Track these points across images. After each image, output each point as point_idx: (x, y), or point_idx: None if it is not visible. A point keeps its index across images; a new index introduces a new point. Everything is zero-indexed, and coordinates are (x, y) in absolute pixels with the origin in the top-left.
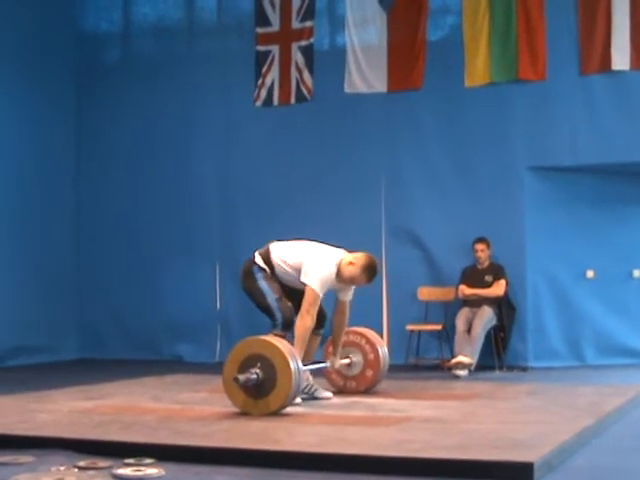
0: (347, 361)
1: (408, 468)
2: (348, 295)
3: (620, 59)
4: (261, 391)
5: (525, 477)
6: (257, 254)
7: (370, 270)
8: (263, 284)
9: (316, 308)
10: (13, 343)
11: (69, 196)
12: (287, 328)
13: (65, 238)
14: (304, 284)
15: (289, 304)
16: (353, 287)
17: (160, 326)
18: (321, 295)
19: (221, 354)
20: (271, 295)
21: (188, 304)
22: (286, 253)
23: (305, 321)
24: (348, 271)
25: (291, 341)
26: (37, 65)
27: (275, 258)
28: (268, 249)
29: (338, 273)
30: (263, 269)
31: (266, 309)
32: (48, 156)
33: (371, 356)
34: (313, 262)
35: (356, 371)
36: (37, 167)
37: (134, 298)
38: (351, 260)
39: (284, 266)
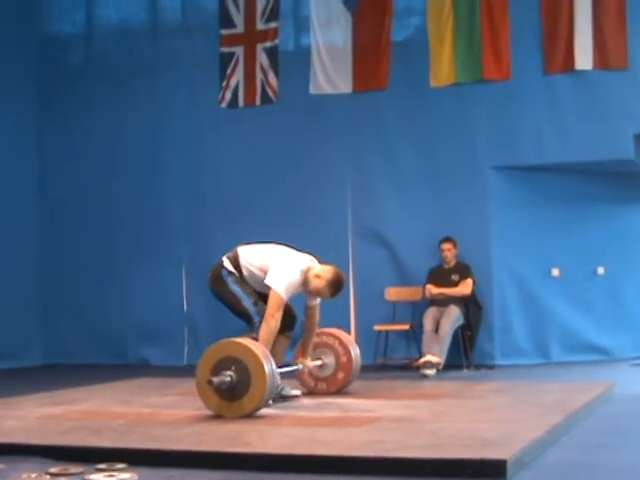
0: (319, 362)
1: (381, 468)
2: (316, 300)
3: (583, 59)
4: (235, 394)
5: (498, 474)
6: (225, 258)
7: (335, 286)
8: (236, 288)
9: (281, 312)
10: None
11: (33, 200)
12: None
13: (29, 242)
14: (268, 287)
15: (265, 307)
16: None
17: (126, 330)
18: (286, 299)
19: (189, 357)
20: (247, 299)
21: (155, 307)
22: (254, 256)
23: (270, 325)
24: (314, 284)
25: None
26: None
27: (243, 261)
28: (236, 253)
29: (304, 282)
30: (232, 273)
31: (242, 313)
32: (10, 161)
33: (344, 358)
34: (279, 266)
35: (328, 373)
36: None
37: (99, 302)
38: (318, 273)
39: (252, 269)
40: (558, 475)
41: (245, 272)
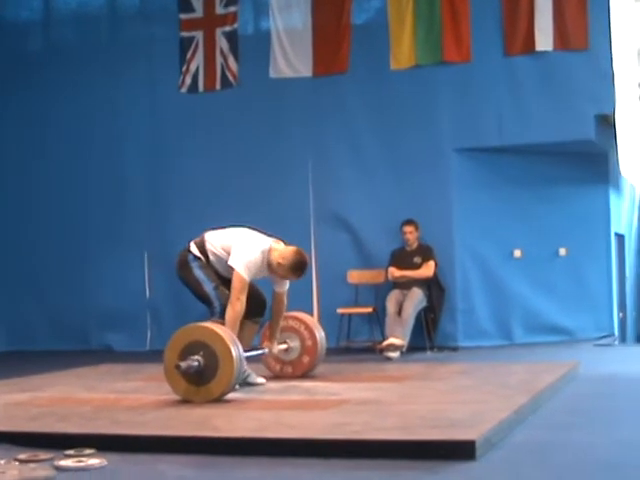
0: (284, 346)
1: (349, 450)
2: (284, 287)
3: (543, 40)
4: (203, 378)
5: (467, 455)
6: (192, 243)
7: (298, 268)
8: (199, 273)
9: (245, 294)
10: None
11: None
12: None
13: None
14: (231, 268)
15: (227, 292)
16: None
17: (89, 316)
18: (248, 280)
19: (152, 342)
20: (208, 284)
21: (117, 293)
22: (218, 240)
23: (235, 308)
24: (278, 270)
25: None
26: None
27: (209, 246)
28: (203, 238)
29: (269, 266)
30: (198, 258)
31: (204, 297)
32: None
33: (309, 342)
34: (240, 247)
35: (293, 356)
36: None
37: (61, 288)
38: (280, 258)
39: (217, 252)
40: (526, 454)
41: (211, 256)
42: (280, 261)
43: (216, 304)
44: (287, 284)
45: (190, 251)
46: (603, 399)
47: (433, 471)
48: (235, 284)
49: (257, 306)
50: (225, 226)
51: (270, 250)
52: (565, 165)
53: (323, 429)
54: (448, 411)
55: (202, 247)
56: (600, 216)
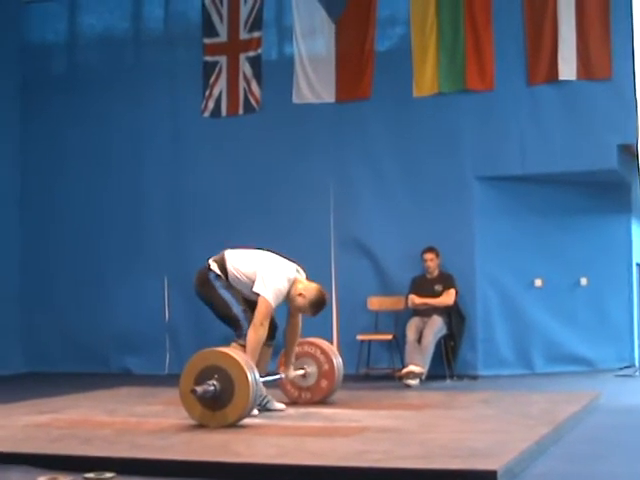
0: (302, 372)
1: (370, 478)
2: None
3: (567, 69)
4: (218, 403)
5: None
6: (212, 261)
7: (317, 306)
8: (225, 293)
9: (268, 320)
10: None
11: (14, 210)
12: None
13: (10, 251)
14: (257, 294)
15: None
16: None
17: (108, 339)
18: (274, 307)
19: (170, 366)
20: (237, 306)
21: (136, 316)
22: (241, 261)
23: (258, 332)
24: (297, 302)
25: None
26: None
27: (229, 266)
28: (223, 256)
29: (288, 296)
30: (219, 276)
31: (231, 319)
32: None
33: (326, 367)
34: (268, 273)
35: (311, 382)
36: None
37: (81, 311)
38: (302, 292)
39: (238, 275)
40: None
41: (231, 276)
42: (302, 293)
43: (245, 326)
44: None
45: (211, 269)
46: (625, 430)
47: None
48: (261, 309)
49: (270, 329)
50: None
51: (295, 281)
52: (587, 194)
53: (344, 456)
54: (469, 440)
55: (222, 265)
56: (622, 246)
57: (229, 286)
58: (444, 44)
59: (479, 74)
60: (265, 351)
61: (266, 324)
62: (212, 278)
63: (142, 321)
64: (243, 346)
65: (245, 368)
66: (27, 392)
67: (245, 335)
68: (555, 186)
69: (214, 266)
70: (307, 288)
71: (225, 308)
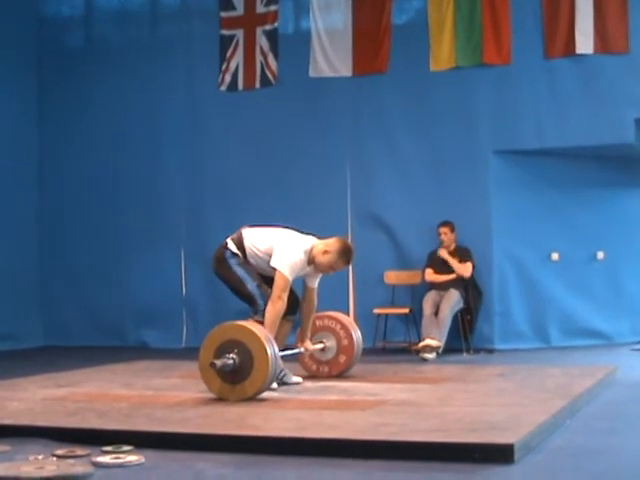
0: (320, 346)
1: (388, 451)
2: (316, 282)
3: (584, 43)
4: (238, 377)
5: (505, 458)
6: (229, 240)
7: (346, 254)
8: (240, 270)
9: (287, 293)
10: None
11: (31, 184)
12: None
13: (27, 224)
14: (274, 269)
15: (269, 290)
16: (321, 274)
17: (125, 312)
18: (291, 280)
19: (187, 340)
20: (251, 282)
21: (153, 290)
22: (258, 238)
23: (276, 306)
24: (325, 259)
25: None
26: None
27: (247, 243)
28: (241, 234)
29: (314, 262)
30: (236, 254)
31: (245, 295)
32: (9, 143)
33: (345, 342)
34: (284, 247)
35: (329, 356)
36: None
37: (98, 284)
38: (325, 248)
39: (256, 251)
40: (565, 459)
41: (249, 253)
42: (327, 249)
43: (260, 302)
44: (318, 280)
45: (227, 247)
46: None
47: (471, 474)
48: (278, 282)
49: (291, 304)
50: (262, 224)
51: (312, 248)
52: (604, 168)
53: (362, 430)
54: (486, 414)
55: (240, 243)
56: (639, 220)
57: (244, 263)
58: (461, 18)
59: (496, 48)
60: (285, 325)
61: (284, 297)
62: (228, 256)
63: (159, 295)
64: (259, 322)
65: (265, 342)
66: (45, 365)
67: (261, 311)
68: (571, 160)
69: (231, 244)
70: (328, 243)
71: (240, 285)
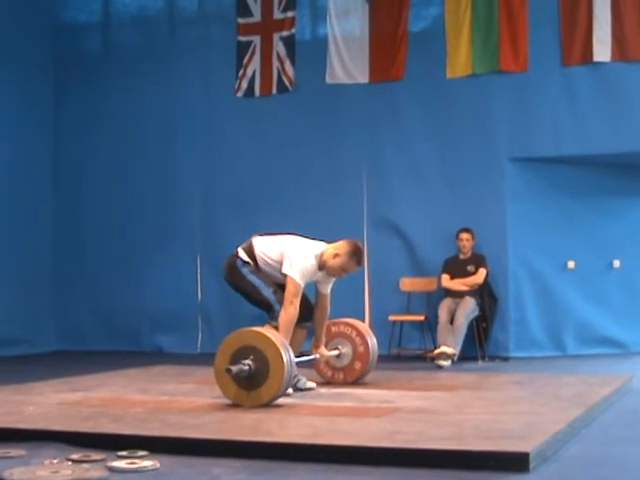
0: (336, 352)
1: (403, 459)
2: (329, 287)
3: (601, 50)
4: (253, 383)
5: (521, 467)
6: (240, 249)
7: (357, 254)
8: (253, 278)
9: (299, 299)
10: None
11: (46, 187)
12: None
13: (42, 229)
14: (285, 275)
15: (284, 295)
16: (333, 279)
17: (140, 317)
18: (302, 285)
19: (202, 345)
20: (266, 288)
21: (169, 295)
22: (269, 246)
23: (288, 312)
24: (337, 262)
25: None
26: (16, 55)
27: (258, 251)
28: (251, 243)
29: (325, 266)
30: (247, 263)
31: (262, 302)
32: (26, 147)
33: (361, 348)
34: (294, 253)
35: (345, 362)
36: (14, 159)
37: (113, 289)
38: (335, 252)
39: (267, 259)
40: (581, 468)
41: (260, 262)
42: (337, 252)
43: (277, 307)
44: (330, 286)
45: (239, 256)
46: None
47: None
48: (289, 289)
49: (305, 311)
50: (275, 231)
51: (322, 253)
52: (621, 176)
53: (377, 437)
54: (501, 422)
55: (250, 252)
56: None
57: (257, 271)
58: (478, 25)
59: (513, 55)
60: (300, 332)
61: (296, 302)
62: (239, 265)
63: (174, 300)
64: (276, 327)
65: (280, 349)
66: (59, 370)
67: (278, 316)
68: (588, 168)
69: (242, 253)
70: (337, 246)
71: (255, 293)
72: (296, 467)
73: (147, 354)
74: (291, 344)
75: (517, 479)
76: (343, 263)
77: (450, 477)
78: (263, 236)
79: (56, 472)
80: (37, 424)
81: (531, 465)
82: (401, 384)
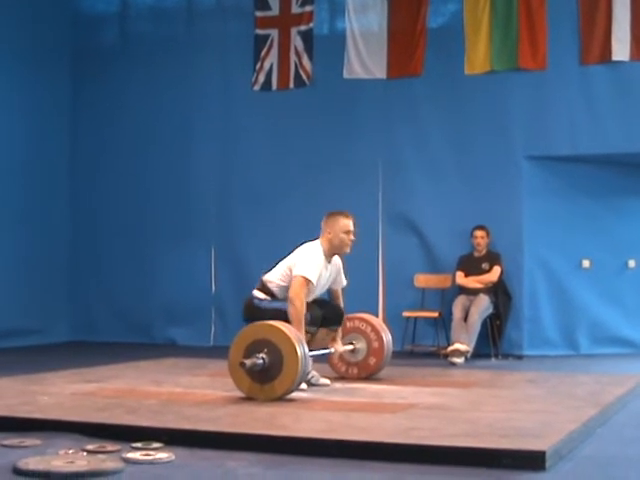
0: (351, 347)
1: (418, 455)
2: (340, 283)
3: (620, 50)
4: (267, 376)
5: (536, 466)
6: (255, 290)
7: (333, 213)
8: (275, 304)
9: (305, 291)
10: (4, 326)
11: (63, 179)
12: (315, 323)
13: (58, 220)
14: (294, 277)
15: (310, 303)
16: (342, 274)
17: (154, 309)
18: (309, 278)
19: (215, 338)
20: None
21: (183, 288)
22: (277, 273)
23: (295, 304)
24: (334, 235)
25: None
26: (33, 47)
27: (271, 285)
28: (262, 281)
29: (332, 248)
30: (265, 299)
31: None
32: (43, 139)
33: (375, 344)
34: (299, 259)
35: (359, 358)
36: (31, 150)
37: (127, 281)
38: (326, 233)
39: (281, 284)
40: (596, 468)
41: (276, 291)
42: (327, 230)
43: (305, 314)
44: (342, 283)
45: (255, 297)
46: None
47: None
48: (293, 284)
49: (335, 315)
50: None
51: (321, 244)
52: (637, 176)
53: (392, 433)
54: (516, 420)
55: (265, 288)
56: None
57: (276, 300)
58: (497, 22)
59: (531, 53)
60: (326, 334)
61: (301, 295)
62: (257, 303)
63: (188, 292)
64: (309, 332)
65: (295, 342)
66: (73, 361)
67: (307, 321)
68: (605, 167)
69: (257, 293)
70: (322, 228)
71: (282, 314)
72: (310, 462)
73: (160, 346)
74: (313, 341)
75: (533, 477)
76: (337, 229)
77: (465, 474)
78: (269, 271)
79: (71, 462)
80: (52, 414)
81: (547, 463)
82: (415, 380)
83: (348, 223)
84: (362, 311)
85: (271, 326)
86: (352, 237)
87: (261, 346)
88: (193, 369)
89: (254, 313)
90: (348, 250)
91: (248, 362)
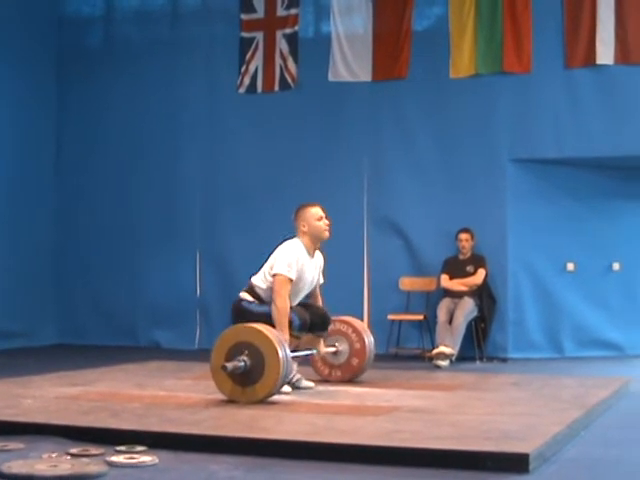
0: (333, 349)
1: (401, 458)
2: (318, 281)
3: (605, 53)
4: (249, 379)
5: (520, 468)
6: (242, 293)
7: (302, 205)
8: (263, 308)
9: (286, 290)
10: None
11: (48, 181)
12: (304, 328)
13: (44, 223)
14: (273, 275)
15: (297, 307)
16: (320, 272)
17: (139, 312)
18: (288, 276)
19: (200, 341)
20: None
21: (167, 291)
22: (261, 276)
23: (277, 305)
24: (311, 227)
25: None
26: (18, 49)
27: (257, 290)
28: (250, 284)
29: (312, 239)
30: (252, 301)
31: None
32: (28, 141)
33: (357, 345)
34: (277, 257)
35: (342, 360)
36: (17, 152)
37: (113, 284)
38: (301, 227)
39: (266, 285)
40: (580, 470)
41: (262, 294)
42: (301, 226)
43: (294, 318)
44: (321, 279)
45: (243, 299)
46: None
47: None
48: (274, 286)
49: (321, 321)
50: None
51: (300, 239)
52: (621, 179)
53: (374, 436)
54: (500, 423)
55: (252, 291)
56: None
57: (263, 303)
58: (482, 25)
59: (516, 56)
60: (312, 339)
61: (284, 295)
62: (245, 305)
63: (174, 296)
64: (294, 337)
65: (276, 344)
66: (59, 364)
67: (296, 328)
68: (590, 170)
69: (245, 295)
70: (296, 222)
71: (269, 318)
72: (293, 464)
73: (145, 349)
74: (299, 348)
75: None
76: (309, 219)
77: (449, 477)
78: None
79: (55, 466)
80: (36, 418)
81: (531, 466)
82: (399, 383)
83: (317, 210)
84: (347, 314)
85: (252, 328)
86: (327, 222)
87: (243, 348)
88: (177, 372)
89: (243, 316)
90: (327, 234)
91: (229, 365)
